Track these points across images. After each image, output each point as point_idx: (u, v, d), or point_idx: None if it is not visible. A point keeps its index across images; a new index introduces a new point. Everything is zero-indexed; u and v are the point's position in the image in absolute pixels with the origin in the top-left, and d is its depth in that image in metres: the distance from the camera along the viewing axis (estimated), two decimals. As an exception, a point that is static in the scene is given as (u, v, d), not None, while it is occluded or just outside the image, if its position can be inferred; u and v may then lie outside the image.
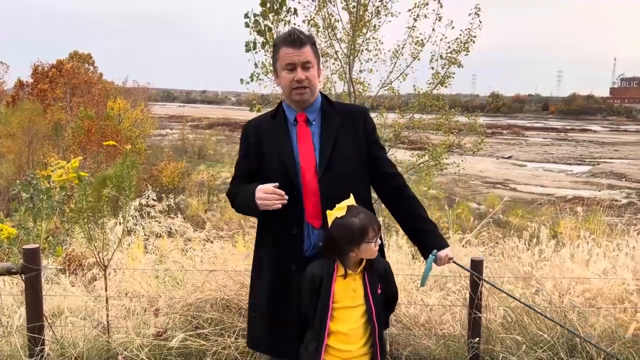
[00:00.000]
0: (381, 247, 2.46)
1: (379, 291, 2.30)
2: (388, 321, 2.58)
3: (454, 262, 2.49)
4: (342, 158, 2.36)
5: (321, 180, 2.33)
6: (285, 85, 2.38)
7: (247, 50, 8.19)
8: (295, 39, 2.31)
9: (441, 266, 2.50)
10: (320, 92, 2.49)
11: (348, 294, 2.25)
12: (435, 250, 2.39)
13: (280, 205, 2.26)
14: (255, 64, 9.11)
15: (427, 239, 2.43)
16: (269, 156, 2.39)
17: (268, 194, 2.26)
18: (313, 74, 2.35)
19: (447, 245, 2.45)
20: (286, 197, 2.27)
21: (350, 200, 2.26)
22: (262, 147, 2.42)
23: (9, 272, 3.17)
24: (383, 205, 2.61)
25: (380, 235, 2.44)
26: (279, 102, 2.51)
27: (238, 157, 2.57)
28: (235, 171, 2.57)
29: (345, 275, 2.24)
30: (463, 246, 4.42)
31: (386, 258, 2.55)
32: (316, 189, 2.33)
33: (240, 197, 2.44)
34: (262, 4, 7.59)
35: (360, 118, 2.48)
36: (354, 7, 10.91)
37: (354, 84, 11.00)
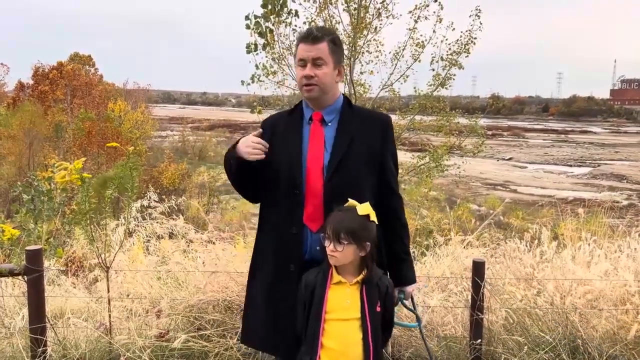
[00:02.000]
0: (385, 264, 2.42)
1: (378, 309, 2.19)
2: (387, 342, 2.51)
3: (402, 302, 2.54)
4: (353, 163, 2.29)
5: (327, 184, 2.27)
6: (297, 81, 2.37)
7: (248, 52, 8.21)
8: (309, 35, 2.29)
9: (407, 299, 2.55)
10: (343, 95, 2.44)
11: (341, 304, 2.15)
12: (403, 293, 2.47)
13: (261, 155, 2.26)
14: (256, 66, 9.11)
15: (403, 268, 2.47)
16: (277, 152, 2.34)
17: (252, 144, 2.26)
18: (324, 72, 2.29)
19: (414, 281, 2.51)
20: (266, 146, 2.27)
21: (364, 207, 2.18)
22: (274, 143, 2.36)
23: (11, 273, 3.17)
24: None
25: (381, 252, 2.37)
26: (300, 100, 2.47)
27: None
28: None
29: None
30: (465, 247, 4.42)
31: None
32: (319, 191, 2.27)
33: (226, 156, 2.41)
34: (264, 6, 7.61)
35: (381, 126, 2.40)
36: (355, 9, 10.92)
37: (355, 85, 10.99)
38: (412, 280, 2.49)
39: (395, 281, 2.42)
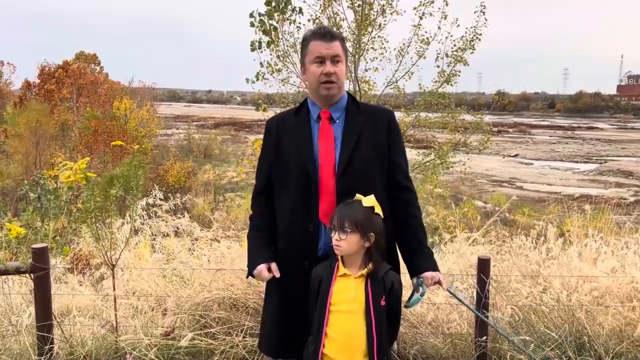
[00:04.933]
0: (395, 260, 2.42)
1: (383, 303, 2.21)
2: (394, 336, 2.45)
3: (448, 291, 2.47)
4: (362, 158, 2.33)
5: (339, 179, 2.30)
6: (313, 79, 2.35)
7: (253, 50, 8.19)
8: (326, 33, 2.33)
9: (428, 286, 2.41)
10: (347, 92, 2.47)
11: (346, 297, 2.19)
12: (421, 279, 2.35)
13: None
14: (261, 63, 9.10)
15: (417, 259, 2.39)
16: (288, 152, 2.38)
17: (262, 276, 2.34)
18: (341, 70, 2.34)
19: (436, 270, 2.38)
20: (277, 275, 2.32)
21: (369, 200, 2.21)
22: (283, 143, 2.40)
23: (18, 271, 3.19)
24: None
25: (394, 247, 2.40)
26: (304, 99, 2.49)
27: (259, 157, 2.55)
28: (256, 178, 2.53)
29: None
30: (470, 245, 4.41)
31: (400, 272, 2.45)
32: (333, 188, 2.30)
33: (249, 247, 2.51)
34: (267, 4, 7.60)
35: (385, 120, 2.43)
36: (359, 5, 10.89)
37: (360, 82, 10.98)
38: (428, 268, 2.36)
39: (412, 272, 2.40)
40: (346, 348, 2.18)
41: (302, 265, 2.32)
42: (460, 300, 2.63)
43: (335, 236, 2.18)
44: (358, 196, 2.24)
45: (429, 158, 12.77)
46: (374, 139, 2.37)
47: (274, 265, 2.34)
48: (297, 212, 2.34)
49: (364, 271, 2.21)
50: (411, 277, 2.43)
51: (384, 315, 2.22)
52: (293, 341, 2.34)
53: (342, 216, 2.18)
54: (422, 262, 2.39)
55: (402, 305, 2.38)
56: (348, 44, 10.96)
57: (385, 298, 2.22)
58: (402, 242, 2.44)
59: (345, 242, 2.17)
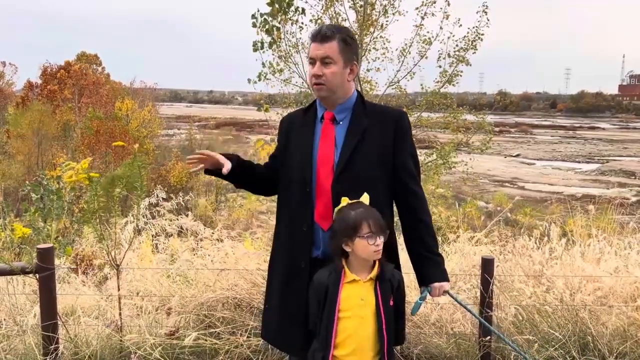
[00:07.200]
0: (395, 257, 2.40)
1: (391, 303, 2.20)
2: (402, 336, 2.42)
3: (449, 294, 2.44)
4: (364, 160, 2.28)
5: (335, 182, 2.27)
6: (308, 79, 2.42)
7: (255, 50, 8.21)
8: (317, 34, 2.30)
9: (435, 296, 2.42)
10: (358, 92, 2.43)
11: (356, 302, 2.16)
12: (429, 288, 2.35)
13: (198, 166, 2.36)
14: (263, 64, 9.13)
15: (426, 267, 2.37)
16: (291, 150, 2.39)
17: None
18: (332, 71, 2.28)
19: (444, 279, 2.37)
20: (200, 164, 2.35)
21: (363, 198, 2.19)
22: (290, 141, 2.42)
23: (23, 271, 3.20)
24: None
25: (394, 246, 2.38)
26: (315, 98, 2.47)
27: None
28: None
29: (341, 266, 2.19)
30: (474, 245, 4.42)
31: (401, 269, 2.44)
32: (329, 190, 2.28)
33: None
34: (270, 4, 7.61)
35: (393, 120, 2.36)
36: (361, 6, 10.90)
37: (362, 82, 10.99)
38: (436, 278, 2.35)
39: (421, 281, 2.40)
40: (356, 351, 2.16)
41: (299, 265, 2.33)
42: (459, 303, 2.63)
43: (377, 241, 2.11)
44: (344, 199, 2.19)
45: (431, 158, 12.77)
46: (379, 141, 2.32)
47: (220, 157, 2.37)
48: (293, 211, 2.35)
49: (372, 274, 2.18)
50: (419, 285, 2.42)
51: (393, 315, 2.22)
52: (291, 335, 2.35)
53: (379, 221, 2.13)
54: (431, 271, 2.36)
55: (409, 310, 2.39)
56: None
57: (393, 298, 2.22)
58: (411, 249, 2.41)
59: (382, 245, 2.14)
